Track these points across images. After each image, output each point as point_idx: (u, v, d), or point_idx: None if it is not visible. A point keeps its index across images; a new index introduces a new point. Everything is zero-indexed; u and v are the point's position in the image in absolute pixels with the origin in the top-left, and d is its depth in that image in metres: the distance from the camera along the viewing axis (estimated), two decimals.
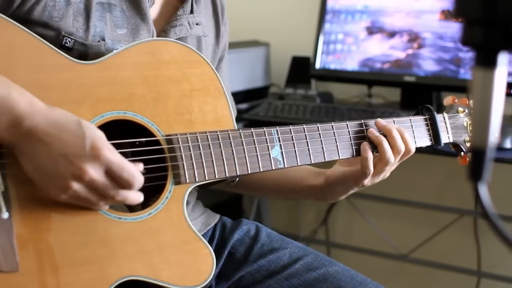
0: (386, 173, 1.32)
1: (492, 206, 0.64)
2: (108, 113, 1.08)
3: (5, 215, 0.98)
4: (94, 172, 0.97)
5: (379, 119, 1.30)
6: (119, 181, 1.00)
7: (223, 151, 1.16)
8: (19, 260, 0.98)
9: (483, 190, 0.64)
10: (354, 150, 1.29)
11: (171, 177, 1.12)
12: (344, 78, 2.40)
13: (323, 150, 1.27)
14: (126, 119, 1.10)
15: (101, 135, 0.99)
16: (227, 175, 1.16)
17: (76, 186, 0.98)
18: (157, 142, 1.12)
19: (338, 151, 1.28)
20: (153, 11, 1.25)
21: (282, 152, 1.22)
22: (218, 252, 1.34)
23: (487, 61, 0.63)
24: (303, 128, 1.26)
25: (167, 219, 1.12)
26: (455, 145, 1.43)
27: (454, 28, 2.17)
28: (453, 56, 2.16)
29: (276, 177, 1.40)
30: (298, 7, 2.70)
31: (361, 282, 1.31)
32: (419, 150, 1.35)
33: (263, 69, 2.58)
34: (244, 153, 1.18)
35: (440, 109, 1.67)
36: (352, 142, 1.29)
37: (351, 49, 2.36)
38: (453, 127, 1.41)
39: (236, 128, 1.22)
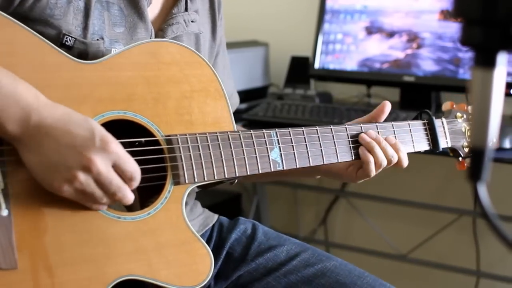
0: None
1: (491, 206, 0.64)
2: (108, 113, 1.09)
3: (5, 212, 0.98)
4: (102, 164, 0.99)
5: (363, 135, 1.30)
6: (123, 175, 1.01)
7: (222, 152, 1.17)
8: (17, 258, 0.98)
9: (482, 190, 0.64)
10: (353, 153, 1.30)
11: (170, 178, 1.13)
12: (343, 78, 2.40)
13: (322, 153, 1.27)
14: (126, 119, 1.11)
15: (107, 132, 1.01)
16: (226, 176, 1.17)
17: (82, 177, 0.98)
18: (157, 142, 1.13)
19: (337, 154, 1.29)
20: (152, 11, 1.26)
21: (281, 154, 1.23)
22: (216, 252, 1.35)
23: (486, 61, 0.63)
24: (302, 130, 1.26)
25: (166, 219, 1.12)
26: (453, 150, 1.44)
27: (453, 28, 2.17)
28: (452, 56, 2.17)
29: None
30: (297, 7, 2.70)
31: (359, 276, 1.31)
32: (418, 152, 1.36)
33: (262, 69, 2.58)
34: (243, 155, 1.19)
35: (439, 109, 1.67)
36: (351, 145, 1.30)
37: (350, 49, 2.36)
38: (451, 132, 1.42)
39: (236, 129, 1.22)
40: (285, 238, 1.39)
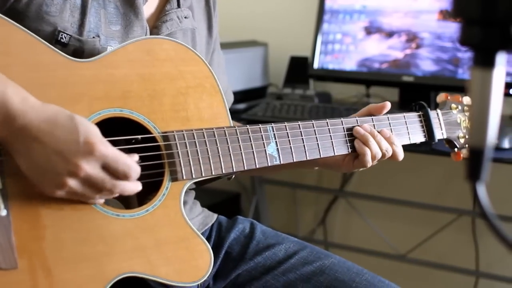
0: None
1: (490, 206, 0.64)
2: (104, 111, 1.09)
3: (3, 212, 0.98)
4: (90, 168, 0.98)
5: (358, 128, 1.31)
6: (116, 174, 1.00)
7: (219, 147, 1.17)
8: (17, 257, 0.98)
9: (482, 190, 0.64)
10: (349, 146, 1.31)
11: (168, 174, 1.13)
12: (342, 78, 2.40)
13: (318, 147, 1.28)
14: (122, 117, 1.11)
15: (94, 130, 0.99)
16: (223, 171, 1.17)
17: (72, 182, 0.98)
18: (154, 139, 1.13)
19: (333, 147, 1.29)
20: (147, 9, 1.26)
21: (278, 148, 1.23)
22: (215, 252, 1.34)
23: (485, 61, 0.63)
24: (298, 124, 1.27)
25: (164, 216, 1.12)
26: (449, 141, 1.45)
27: (452, 28, 2.17)
28: (451, 56, 2.17)
29: None
30: (296, 7, 2.70)
31: (358, 273, 1.31)
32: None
33: (261, 69, 2.58)
34: (240, 150, 1.19)
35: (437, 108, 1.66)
36: (347, 138, 1.31)
37: (349, 49, 2.36)
38: (446, 123, 1.43)
39: (232, 125, 1.22)
40: (283, 237, 1.39)
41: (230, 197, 2.80)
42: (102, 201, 1.05)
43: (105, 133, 1.05)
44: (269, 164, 1.22)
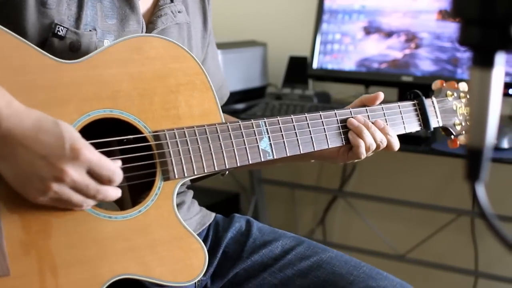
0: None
1: (490, 206, 0.64)
2: (94, 112, 1.07)
3: None
4: (75, 173, 0.97)
5: (352, 120, 1.30)
6: (100, 179, 1.00)
7: (211, 145, 1.16)
8: (9, 264, 0.97)
9: (481, 190, 0.64)
10: (343, 138, 1.30)
11: (160, 174, 1.12)
12: (341, 78, 2.40)
13: (312, 140, 1.27)
14: (113, 117, 1.10)
15: (79, 136, 0.98)
16: (216, 168, 1.16)
17: (56, 187, 0.96)
18: (145, 139, 1.12)
19: (327, 140, 1.29)
20: (143, 4, 1.25)
21: (271, 143, 1.22)
22: (212, 252, 1.35)
23: (484, 61, 0.63)
24: (291, 118, 1.26)
25: (157, 216, 1.11)
26: (445, 129, 1.44)
27: (451, 28, 2.17)
28: (450, 56, 2.16)
29: None
30: (295, 7, 2.70)
31: (355, 266, 1.31)
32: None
33: (260, 69, 2.58)
34: (233, 146, 1.18)
35: None
36: (341, 130, 1.30)
37: (348, 49, 2.36)
38: (442, 111, 1.42)
39: (224, 121, 1.21)
40: (280, 233, 1.39)
41: (229, 197, 2.80)
42: (88, 207, 1.04)
43: (96, 134, 1.05)
44: (262, 160, 1.21)
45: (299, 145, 1.25)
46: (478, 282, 2.47)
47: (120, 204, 1.13)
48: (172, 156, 1.12)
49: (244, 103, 2.42)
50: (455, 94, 1.45)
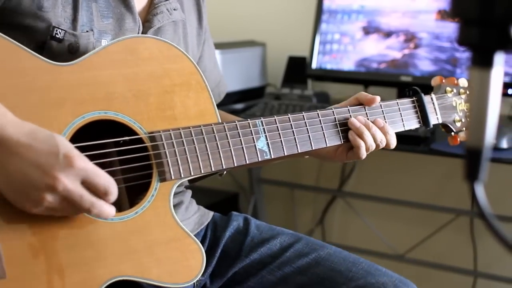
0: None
1: (489, 206, 0.64)
2: (89, 114, 1.07)
3: None
4: (69, 182, 0.94)
5: (353, 120, 1.29)
6: (95, 189, 0.97)
7: (207, 145, 1.15)
8: (6, 267, 0.96)
9: (480, 190, 0.64)
10: (341, 136, 1.29)
11: (156, 175, 1.11)
12: (340, 78, 2.40)
13: (309, 139, 1.26)
14: (108, 119, 1.09)
15: (73, 147, 0.97)
16: (213, 169, 1.15)
17: (50, 198, 0.94)
18: (140, 140, 1.11)
19: (325, 139, 1.28)
20: (139, 3, 1.25)
21: (268, 143, 1.22)
22: (211, 251, 1.34)
23: (483, 61, 0.63)
24: (288, 117, 1.25)
25: (154, 217, 1.11)
26: (445, 125, 1.43)
27: (450, 28, 2.17)
28: (449, 56, 2.17)
29: None
30: (294, 7, 2.70)
31: (354, 262, 1.31)
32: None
33: (260, 69, 2.58)
34: (229, 146, 1.17)
35: None
36: (340, 129, 1.29)
37: (347, 49, 2.36)
38: (441, 107, 1.41)
39: (220, 120, 1.20)
40: (278, 230, 1.39)
41: (228, 197, 2.80)
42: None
43: (91, 136, 1.04)
44: (260, 159, 1.20)
45: (296, 144, 1.25)
46: (477, 282, 2.47)
47: (118, 205, 1.12)
48: (168, 157, 1.11)
49: (243, 103, 2.42)
50: (455, 90, 1.43)
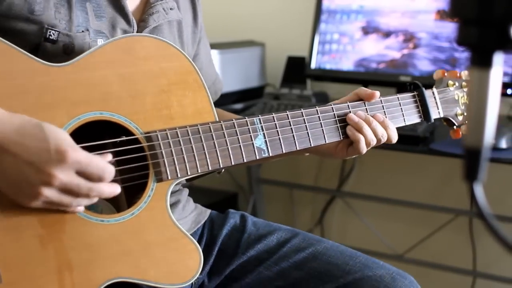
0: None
1: (488, 206, 0.64)
2: (84, 115, 1.06)
3: None
4: (64, 175, 0.95)
5: (351, 115, 1.28)
6: (90, 177, 0.98)
7: (204, 144, 1.14)
8: (1, 271, 0.96)
9: (479, 190, 0.64)
10: (341, 133, 1.28)
11: (153, 175, 1.10)
12: (339, 78, 2.40)
13: (308, 136, 1.25)
14: (103, 120, 1.08)
15: (64, 136, 0.97)
16: (210, 168, 1.14)
17: (47, 192, 0.95)
18: (137, 141, 1.10)
19: (324, 135, 1.26)
20: (132, 2, 1.24)
21: (266, 141, 1.20)
22: (208, 250, 1.34)
23: (482, 61, 0.63)
24: (287, 114, 1.24)
25: (150, 218, 1.10)
26: (446, 119, 1.41)
27: (449, 28, 2.17)
28: (448, 56, 2.17)
29: None
30: (293, 7, 2.70)
31: (351, 256, 1.31)
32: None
33: (259, 69, 2.58)
34: (227, 145, 1.16)
35: None
36: (339, 125, 1.28)
37: (346, 49, 2.36)
38: (443, 101, 1.39)
39: (217, 119, 1.19)
40: (274, 226, 1.38)
41: (227, 197, 2.80)
42: (81, 208, 1.02)
43: (88, 137, 1.03)
44: (257, 158, 1.19)
45: (295, 142, 1.23)
46: (476, 282, 2.48)
47: (116, 206, 1.12)
48: (165, 157, 1.10)
49: (242, 103, 2.42)
50: (457, 84, 1.42)
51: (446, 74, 1.43)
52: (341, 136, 1.28)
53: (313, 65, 2.41)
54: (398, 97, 1.35)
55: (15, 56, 1.03)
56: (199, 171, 1.14)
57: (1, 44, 1.02)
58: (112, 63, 1.11)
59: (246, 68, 2.51)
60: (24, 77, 1.03)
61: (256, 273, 1.32)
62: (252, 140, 1.19)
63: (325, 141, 1.27)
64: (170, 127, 1.12)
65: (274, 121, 1.22)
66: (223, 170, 1.24)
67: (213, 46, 2.34)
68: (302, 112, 1.25)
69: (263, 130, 1.20)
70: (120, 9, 1.20)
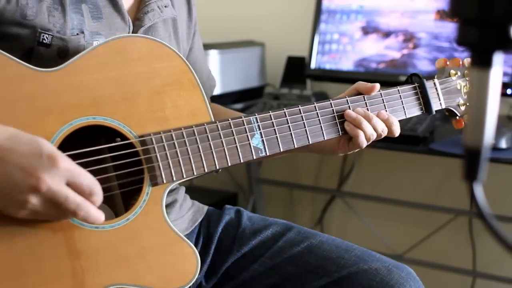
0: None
1: (488, 206, 0.64)
2: (77, 120, 1.04)
3: None
4: (53, 182, 0.92)
5: (349, 112, 1.26)
6: (80, 189, 0.95)
7: (200, 146, 1.12)
8: None
9: (478, 190, 0.64)
10: (340, 128, 1.26)
11: (148, 179, 1.08)
12: (339, 78, 2.40)
13: (306, 133, 1.23)
14: (97, 125, 1.06)
15: (56, 149, 0.95)
16: (206, 170, 1.13)
17: (34, 200, 0.92)
18: (131, 145, 1.08)
19: (323, 131, 1.24)
20: (127, 1, 1.23)
21: (263, 140, 1.18)
22: (205, 248, 1.34)
23: (482, 61, 0.63)
24: (284, 112, 1.22)
25: (146, 223, 1.08)
26: (449, 110, 1.39)
27: (449, 28, 2.17)
28: (448, 56, 2.16)
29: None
30: (293, 7, 2.70)
31: (347, 249, 1.30)
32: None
33: (258, 69, 2.58)
34: (223, 146, 1.14)
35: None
36: (338, 121, 1.26)
37: (346, 49, 2.36)
38: (445, 92, 1.37)
39: (213, 119, 1.17)
40: (270, 221, 1.37)
41: (227, 197, 2.79)
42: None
43: (83, 142, 1.02)
44: (255, 157, 1.18)
45: (293, 139, 1.21)
46: (476, 282, 2.47)
47: (113, 211, 1.10)
48: (160, 160, 1.08)
49: (242, 103, 2.42)
50: (459, 73, 1.39)
51: (448, 63, 1.39)
52: (340, 132, 1.26)
53: (313, 65, 2.41)
54: (398, 90, 1.33)
55: (4, 62, 1.00)
56: (195, 173, 1.12)
57: None
58: (104, 65, 1.08)
59: (246, 68, 2.51)
60: (14, 84, 1.00)
61: (252, 271, 1.31)
62: (249, 140, 1.17)
63: (324, 138, 1.25)
64: (164, 130, 1.10)
65: (271, 119, 1.20)
66: (220, 170, 1.24)
67: (213, 46, 2.35)
68: (300, 109, 1.23)
69: (260, 129, 1.19)
70: (117, 8, 1.19)
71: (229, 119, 1.17)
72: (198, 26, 1.44)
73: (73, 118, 1.03)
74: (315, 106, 1.25)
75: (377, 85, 1.31)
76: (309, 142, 1.23)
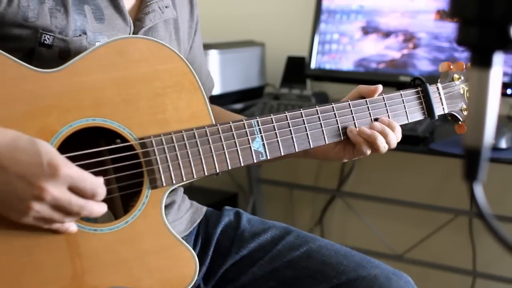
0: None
1: (488, 206, 0.64)
2: (76, 122, 1.03)
3: None
4: (55, 190, 0.93)
5: (363, 128, 1.25)
6: (83, 193, 0.96)
7: (200, 149, 1.11)
8: None
9: (478, 190, 0.64)
10: (342, 133, 1.25)
11: (147, 182, 1.08)
12: (339, 78, 2.40)
13: (308, 137, 1.22)
14: (96, 126, 1.05)
15: (57, 152, 0.95)
16: (206, 173, 1.12)
17: (37, 207, 0.93)
18: (131, 147, 1.07)
19: (324, 136, 1.23)
20: (128, 1, 1.23)
21: (264, 143, 1.17)
22: (204, 250, 1.33)
23: (482, 61, 0.62)
24: (286, 115, 1.20)
25: (145, 226, 1.08)
26: (451, 115, 1.37)
27: (449, 28, 2.17)
28: (448, 56, 2.16)
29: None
30: (293, 7, 2.70)
31: (346, 255, 1.29)
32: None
33: (258, 69, 2.58)
34: (223, 149, 1.13)
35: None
36: (339, 125, 1.25)
37: (346, 49, 2.36)
38: (448, 97, 1.35)
39: (214, 122, 1.16)
40: (269, 224, 1.37)
41: (227, 197, 2.80)
42: (74, 229, 1.00)
43: (83, 144, 1.02)
44: (255, 161, 1.17)
45: (294, 143, 1.20)
46: (476, 282, 2.47)
47: (113, 214, 1.10)
48: (159, 163, 1.08)
49: (242, 103, 2.42)
50: (463, 78, 1.37)
51: (451, 66, 1.38)
52: (342, 137, 1.25)
53: (313, 65, 2.41)
54: (401, 94, 1.32)
55: (4, 62, 1.00)
56: (195, 176, 1.11)
57: None
58: (104, 66, 1.08)
59: (246, 68, 2.51)
60: (14, 85, 1.00)
61: (250, 274, 1.31)
62: (249, 144, 1.16)
63: (325, 142, 1.24)
64: (165, 132, 1.09)
65: (273, 123, 1.19)
66: (220, 173, 1.23)
67: (213, 46, 2.35)
68: (301, 113, 1.22)
69: (261, 133, 1.17)
70: (118, 9, 1.19)
71: (230, 122, 1.16)
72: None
73: (73, 119, 1.03)
74: (317, 110, 1.23)
75: (380, 87, 1.30)
76: (310, 146, 1.22)
